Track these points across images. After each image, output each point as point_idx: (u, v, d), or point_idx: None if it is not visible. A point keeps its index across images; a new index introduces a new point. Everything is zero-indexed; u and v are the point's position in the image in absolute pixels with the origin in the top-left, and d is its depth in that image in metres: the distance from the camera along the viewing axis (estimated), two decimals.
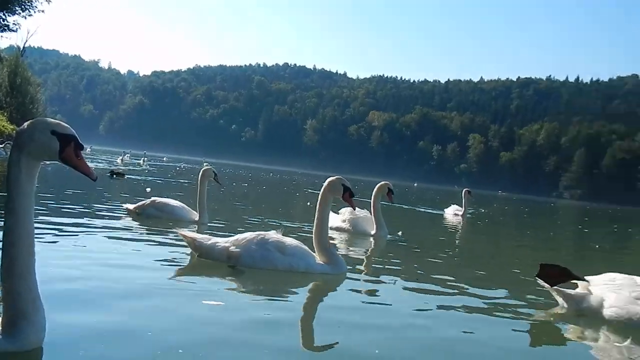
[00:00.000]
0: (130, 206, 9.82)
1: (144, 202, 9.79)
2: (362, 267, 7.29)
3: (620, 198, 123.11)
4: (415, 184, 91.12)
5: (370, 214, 10.75)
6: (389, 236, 10.50)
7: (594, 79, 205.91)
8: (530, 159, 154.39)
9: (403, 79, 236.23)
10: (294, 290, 5.53)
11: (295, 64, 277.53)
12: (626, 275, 5.33)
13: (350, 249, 9.07)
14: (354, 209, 7.11)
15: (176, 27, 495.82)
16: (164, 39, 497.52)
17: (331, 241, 9.35)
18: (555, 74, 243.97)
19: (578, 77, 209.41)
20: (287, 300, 5.10)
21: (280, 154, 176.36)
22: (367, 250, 9.27)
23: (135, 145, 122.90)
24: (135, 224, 8.77)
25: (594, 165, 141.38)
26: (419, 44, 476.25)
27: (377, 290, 5.86)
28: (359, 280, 6.30)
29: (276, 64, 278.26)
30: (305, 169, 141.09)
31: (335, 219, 11.10)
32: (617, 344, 4.64)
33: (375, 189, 10.62)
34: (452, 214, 19.72)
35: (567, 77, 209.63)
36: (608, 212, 58.50)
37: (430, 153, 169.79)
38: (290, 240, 6.21)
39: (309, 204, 19.60)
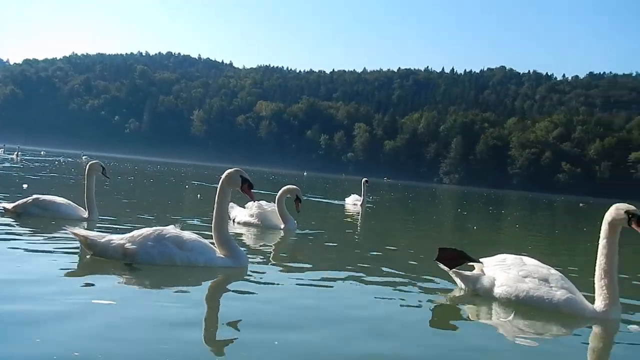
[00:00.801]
0: (8, 205, 9.04)
1: (24, 200, 9.01)
2: (267, 260, 7.22)
3: (493, 182, 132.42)
4: (305, 173, 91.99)
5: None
6: (298, 230, 10.41)
7: (467, 70, 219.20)
8: (412, 146, 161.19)
9: (289, 69, 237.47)
10: (194, 285, 5.41)
11: (179, 53, 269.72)
12: (516, 256, 5.73)
13: (259, 243, 8.98)
14: (254, 201, 7.02)
15: (50, 13, 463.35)
16: (36, 25, 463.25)
17: (239, 236, 9.19)
18: (433, 66, 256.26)
19: (453, 69, 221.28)
20: (186, 296, 4.98)
21: (167, 146, 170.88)
22: (275, 243, 9.20)
23: (8, 139, 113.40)
24: (15, 225, 8.01)
25: (470, 152, 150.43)
26: (304, 35, 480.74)
27: (279, 283, 5.84)
28: (263, 272, 6.26)
29: (159, 52, 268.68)
30: (194, 160, 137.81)
31: (243, 214, 10.91)
32: (504, 319, 5.02)
33: (281, 191, 10.51)
34: (352, 203, 19.99)
35: (443, 69, 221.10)
36: (483, 195, 62.52)
37: (318, 142, 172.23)
38: (189, 235, 6.05)
39: (199, 196, 19.30)
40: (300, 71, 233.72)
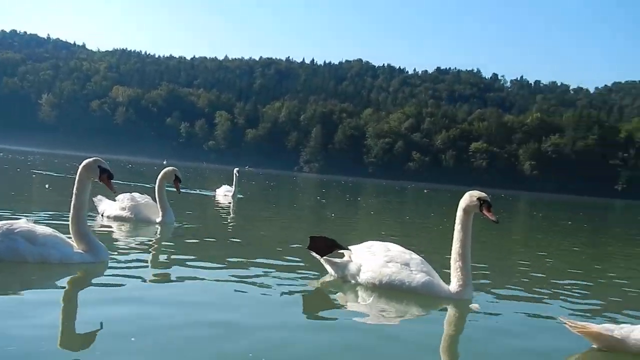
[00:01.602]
0: None
1: None
2: (134, 255, 6.87)
3: (351, 170, 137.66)
4: (165, 162, 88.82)
5: (154, 200, 9.93)
6: (176, 223, 9.83)
7: (327, 62, 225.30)
8: (273, 135, 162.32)
9: (148, 53, 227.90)
10: (48, 283, 5.09)
11: (25, 32, 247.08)
12: (382, 243, 6.01)
13: (132, 238, 8.40)
14: (114, 192, 6.59)
15: None
16: None
17: (112, 231, 8.68)
18: (294, 56, 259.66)
19: (313, 59, 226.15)
20: (39, 296, 4.66)
21: (12, 132, 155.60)
22: (150, 238, 8.60)
23: None
24: None
25: (329, 141, 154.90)
26: (164, 19, 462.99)
27: (141, 278, 5.61)
28: (127, 267, 6.02)
29: (1, 30, 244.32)
30: (43, 147, 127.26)
31: (113, 207, 10.03)
32: (366, 302, 5.34)
33: (160, 175, 9.83)
34: (223, 194, 19.45)
35: (303, 59, 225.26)
36: (341, 183, 64.73)
37: (179, 130, 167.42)
38: (42, 229, 5.63)
39: (47, 186, 18.05)
40: (159, 56, 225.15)
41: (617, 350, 4.23)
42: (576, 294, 6.79)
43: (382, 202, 29.18)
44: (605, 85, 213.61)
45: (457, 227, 5.54)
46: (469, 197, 5.48)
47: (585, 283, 7.74)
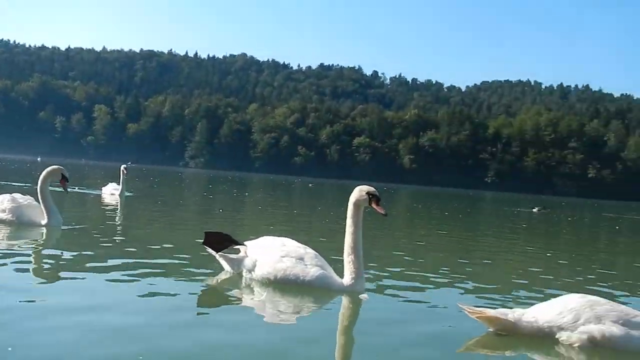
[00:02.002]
0: None
1: None
2: (18, 261, 6.49)
3: (238, 165, 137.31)
4: (39, 159, 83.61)
5: (37, 201, 9.26)
6: (63, 226, 9.21)
7: (211, 55, 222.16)
8: (157, 130, 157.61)
9: (17, 42, 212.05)
10: None
11: None
12: (277, 238, 6.15)
13: (13, 243, 7.89)
14: None
15: None
16: None
17: None
18: (176, 49, 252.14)
19: (197, 53, 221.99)
20: None
21: None
22: (35, 242, 8.04)
23: None
24: None
25: (214, 136, 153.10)
26: (34, 5, 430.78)
27: (30, 283, 5.44)
28: (12, 273, 5.82)
29: None
30: None
31: None
32: (261, 298, 5.55)
33: (44, 173, 9.15)
34: (110, 193, 18.67)
35: (187, 52, 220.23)
36: (228, 178, 64.37)
37: (54, 124, 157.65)
38: None
39: None
40: (30, 46, 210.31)
41: (512, 332, 4.52)
42: (465, 281, 7.31)
43: (269, 197, 29.78)
44: (475, 84, 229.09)
45: (349, 221, 5.69)
46: (358, 192, 5.65)
47: (472, 270, 8.38)
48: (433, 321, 5.24)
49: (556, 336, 4.43)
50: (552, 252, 12.51)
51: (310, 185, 57.21)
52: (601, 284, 7.82)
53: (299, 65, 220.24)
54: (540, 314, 4.52)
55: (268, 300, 5.47)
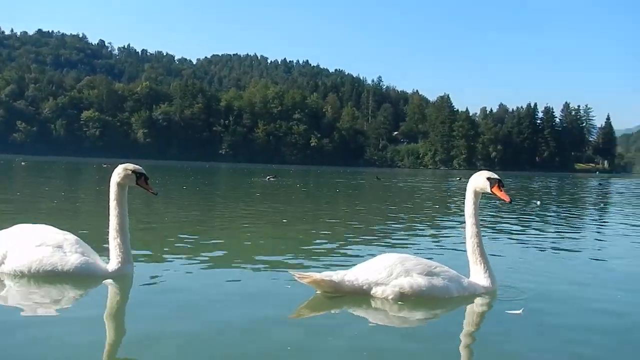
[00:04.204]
0: None
1: None
2: None
3: None
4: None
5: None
6: None
7: None
8: None
9: None
10: None
11: None
12: (31, 225, 5.49)
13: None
14: None
15: None
16: None
17: None
18: None
19: None
20: None
21: None
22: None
23: None
24: None
25: None
26: None
27: None
28: None
29: None
30: None
31: None
32: (12, 293, 4.86)
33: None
34: None
35: None
36: None
37: None
38: None
39: None
40: None
41: (337, 292, 4.85)
42: (258, 250, 7.58)
43: None
44: (206, 56, 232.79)
45: (112, 202, 5.34)
46: (123, 171, 5.32)
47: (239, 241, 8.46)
48: (268, 295, 5.14)
49: (372, 292, 4.85)
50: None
51: (23, 163, 51.87)
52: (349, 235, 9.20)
53: (12, 30, 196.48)
54: (360, 273, 4.91)
55: (24, 295, 4.82)
